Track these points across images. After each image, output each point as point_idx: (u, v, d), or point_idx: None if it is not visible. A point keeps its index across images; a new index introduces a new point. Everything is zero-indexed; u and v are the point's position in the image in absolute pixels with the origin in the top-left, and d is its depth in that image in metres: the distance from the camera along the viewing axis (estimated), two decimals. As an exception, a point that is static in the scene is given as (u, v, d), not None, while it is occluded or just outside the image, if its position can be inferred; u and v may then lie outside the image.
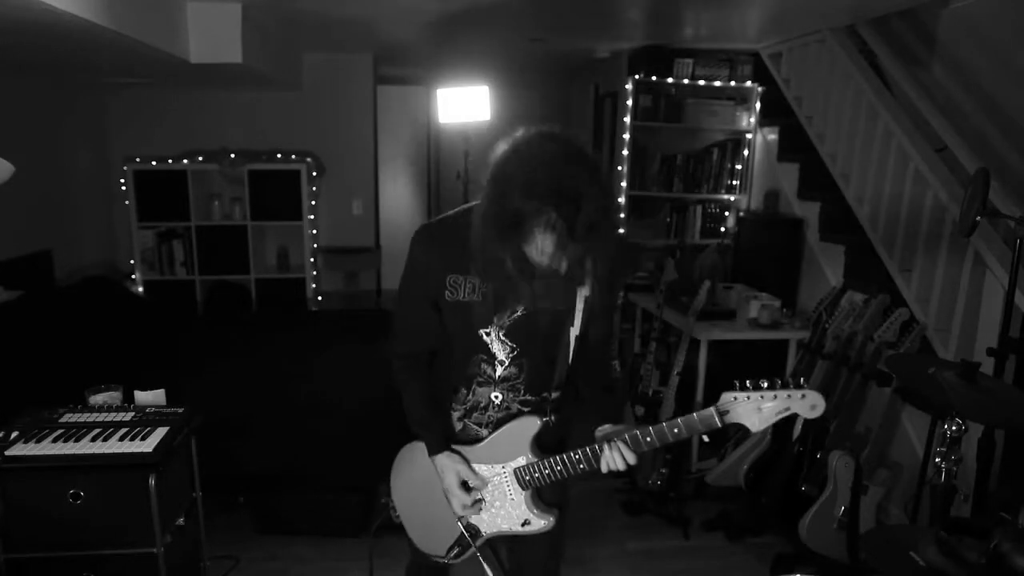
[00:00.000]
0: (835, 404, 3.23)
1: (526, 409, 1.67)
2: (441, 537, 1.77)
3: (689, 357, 3.56)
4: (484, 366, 1.63)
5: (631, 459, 1.53)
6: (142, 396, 2.62)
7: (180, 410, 2.49)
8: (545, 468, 1.62)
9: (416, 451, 1.78)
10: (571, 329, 1.60)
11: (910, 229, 3.45)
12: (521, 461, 1.65)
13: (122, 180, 4.99)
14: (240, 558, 3.03)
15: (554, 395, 1.67)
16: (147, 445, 2.23)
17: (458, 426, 1.73)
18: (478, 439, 1.70)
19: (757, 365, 4.12)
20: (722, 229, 5.01)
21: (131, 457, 2.20)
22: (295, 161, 5.15)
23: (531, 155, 1.34)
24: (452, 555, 1.77)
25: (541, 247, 1.33)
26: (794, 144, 4.46)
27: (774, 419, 1.41)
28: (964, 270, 3.07)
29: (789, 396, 1.40)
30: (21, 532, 2.19)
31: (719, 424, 1.43)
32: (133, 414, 2.44)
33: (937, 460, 1.87)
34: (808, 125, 4.31)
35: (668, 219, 5.00)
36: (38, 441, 2.23)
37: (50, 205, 4.67)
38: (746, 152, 4.90)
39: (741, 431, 3.80)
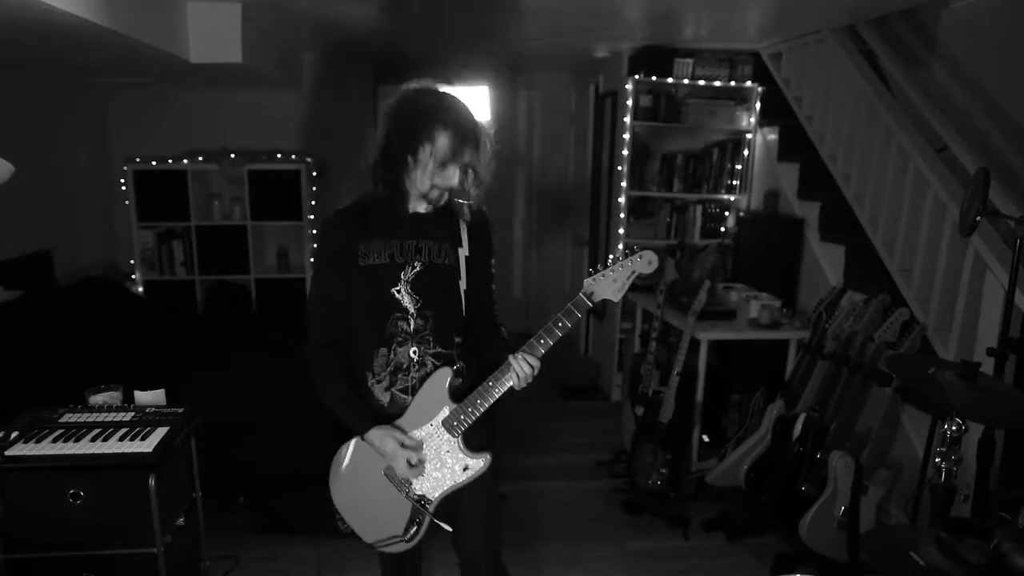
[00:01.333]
0: (835, 404, 3.23)
1: (439, 363, 1.84)
2: (394, 520, 1.86)
3: (689, 357, 3.56)
4: (400, 323, 1.82)
5: (534, 362, 1.76)
6: (142, 396, 2.63)
7: (180, 410, 2.49)
8: (468, 407, 1.79)
9: (342, 455, 1.91)
10: (460, 283, 1.87)
11: (910, 229, 3.45)
12: (445, 412, 1.81)
13: (122, 180, 4.99)
14: (240, 558, 3.04)
15: (457, 340, 1.88)
16: (147, 445, 2.23)
17: (385, 398, 1.86)
18: (405, 407, 1.84)
19: (757, 365, 4.12)
20: (722, 229, 5.00)
21: (131, 457, 2.20)
22: (295, 161, 5.14)
23: (426, 90, 1.81)
24: (411, 533, 1.85)
25: (439, 148, 1.71)
26: (794, 144, 4.46)
27: (627, 283, 1.76)
28: (964, 270, 3.07)
29: (631, 261, 1.74)
30: (21, 532, 2.19)
31: (589, 304, 1.75)
32: (133, 414, 2.44)
33: (937, 460, 1.87)
34: (808, 125, 4.31)
35: (668, 219, 5.00)
36: (38, 441, 2.23)
37: (50, 205, 4.67)
38: (746, 152, 4.90)
39: (741, 431, 3.81)
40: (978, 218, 2.38)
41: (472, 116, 1.77)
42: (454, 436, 1.82)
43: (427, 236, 1.84)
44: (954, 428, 1.83)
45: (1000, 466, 2.66)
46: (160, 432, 2.31)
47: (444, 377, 1.82)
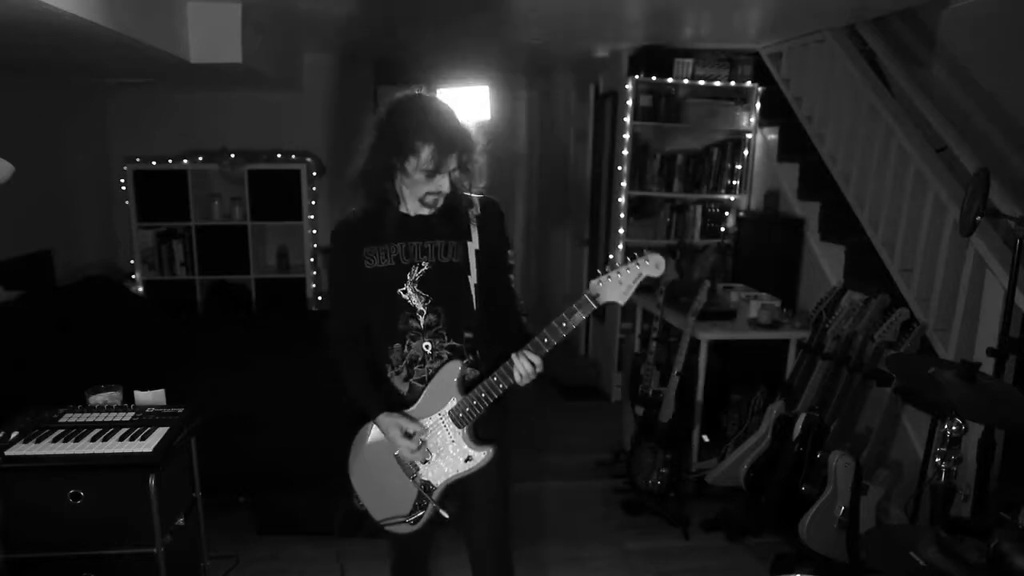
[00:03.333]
0: (835, 404, 3.23)
1: (453, 355, 1.89)
2: (400, 502, 1.94)
3: (689, 357, 3.56)
4: (411, 321, 1.88)
5: (536, 361, 1.78)
6: (142, 396, 2.63)
7: (180, 410, 2.49)
8: (473, 400, 1.84)
9: (362, 434, 2.01)
10: (470, 279, 1.89)
11: (910, 229, 3.45)
12: (453, 403, 1.87)
13: (122, 180, 4.99)
14: (240, 558, 3.04)
15: (467, 335, 1.90)
16: (147, 445, 2.24)
17: (404, 388, 1.92)
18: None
19: (757, 365, 4.12)
20: (722, 229, 5.00)
21: (131, 457, 2.20)
22: (295, 161, 5.15)
23: (408, 100, 1.80)
24: (414, 517, 1.93)
25: (423, 161, 1.73)
26: (794, 144, 4.46)
27: (633, 286, 1.75)
28: (964, 270, 3.07)
29: (638, 264, 1.74)
30: (21, 532, 2.19)
31: (594, 306, 1.74)
32: (133, 414, 2.44)
33: (937, 460, 1.87)
34: (808, 125, 4.31)
35: (668, 219, 5.00)
36: (38, 441, 2.24)
37: (50, 205, 4.67)
38: (746, 152, 4.90)
39: (741, 431, 3.81)
40: (978, 218, 2.38)
41: (455, 123, 1.78)
42: (459, 427, 1.87)
43: (432, 235, 1.87)
44: (954, 428, 1.83)
45: (1000, 466, 2.66)
46: (160, 432, 2.31)
47: (454, 369, 1.87)
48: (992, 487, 2.51)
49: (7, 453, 2.15)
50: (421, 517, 1.92)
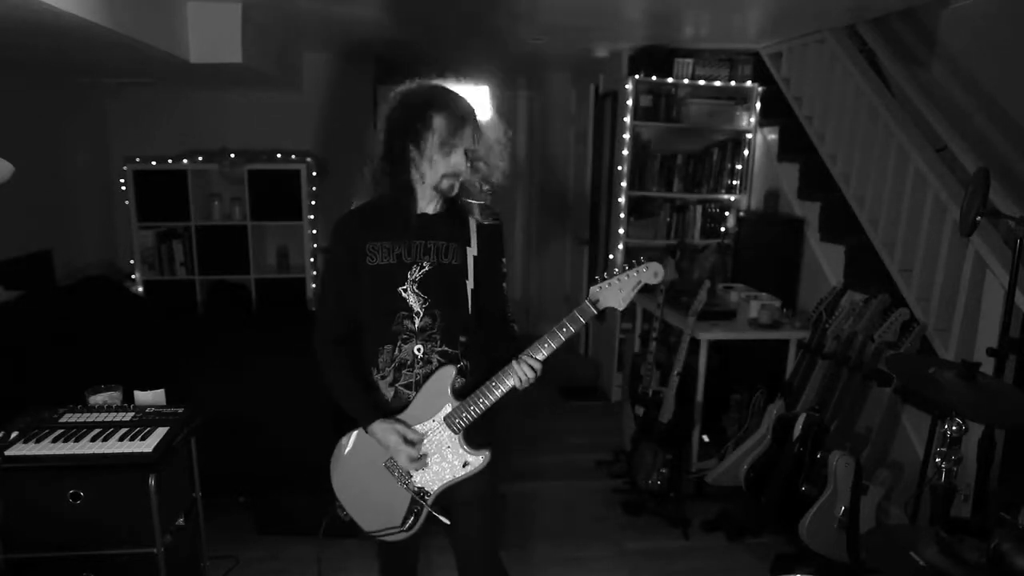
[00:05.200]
0: (835, 404, 3.23)
1: (444, 360, 1.87)
2: (393, 511, 1.90)
3: (689, 357, 3.56)
4: (405, 322, 1.86)
5: (537, 366, 1.78)
6: (142, 396, 2.63)
7: (180, 410, 2.49)
8: (469, 405, 1.82)
9: (344, 444, 1.96)
10: (467, 283, 1.90)
11: (910, 229, 3.45)
12: (448, 408, 1.85)
13: (122, 180, 4.99)
14: (240, 558, 3.04)
15: (461, 339, 1.90)
16: (147, 445, 2.23)
17: (389, 393, 1.89)
18: (409, 402, 1.88)
19: (757, 365, 4.12)
20: (722, 229, 5.00)
21: (131, 457, 2.20)
22: (295, 161, 5.14)
23: (418, 85, 1.89)
24: (408, 523, 1.89)
25: (438, 131, 1.77)
26: (794, 144, 4.46)
27: (632, 293, 1.81)
28: (964, 270, 3.07)
29: (636, 272, 1.80)
30: (21, 532, 2.19)
31: (594, 311, 1.79)
32: (133, 414, 2.44)
33: (937, 460, 1.87)
34: (808, 125, 4.31)
35: (668, 219, 5.00)
36: (38, 441, 2.24)
37: (50, 205, 4.67)
38: (746, 152, 4.90)
39: (741, 431, 3.81)
40: (978, 218, 2.38)
41: (467, 102, 1.83)
42: (455, 432, 1.85)
43: (435, 236, 1.87)
44: (954, 428, 1.83)
45: (1000, 466, 2.66)
46: (160, 432, 2.31)
47: (448, 375, 1.85)
48: (992, 487, 2.51)
49: (7, 453, 2.15)
50: (414, 524, 1.90)
